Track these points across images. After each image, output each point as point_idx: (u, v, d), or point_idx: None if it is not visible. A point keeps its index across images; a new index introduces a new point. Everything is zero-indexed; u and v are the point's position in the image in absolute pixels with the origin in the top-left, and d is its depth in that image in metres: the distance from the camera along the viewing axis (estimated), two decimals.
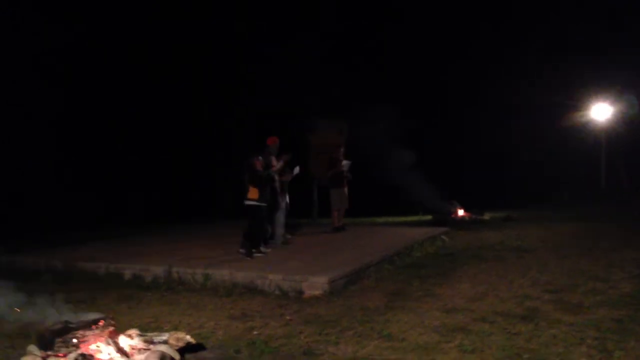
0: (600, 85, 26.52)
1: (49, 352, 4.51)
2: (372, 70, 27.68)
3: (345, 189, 12.76)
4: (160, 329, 5.60)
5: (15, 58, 17.80)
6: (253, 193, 9.37)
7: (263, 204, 9.52)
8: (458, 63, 29.44)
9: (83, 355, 4.43)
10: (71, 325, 4.71)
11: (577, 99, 26.91)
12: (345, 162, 12.71)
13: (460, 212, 17.17)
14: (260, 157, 9.67)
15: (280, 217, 10.84)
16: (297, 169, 11.78)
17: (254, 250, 9.27)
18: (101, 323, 4.81)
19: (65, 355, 4.48)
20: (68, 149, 20.73)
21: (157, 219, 18.70)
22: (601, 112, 26.84)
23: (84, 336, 4.66)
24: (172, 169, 24.14)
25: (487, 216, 16.89)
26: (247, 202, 9.45)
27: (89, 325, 4.76)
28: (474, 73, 29.24)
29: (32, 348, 4.61)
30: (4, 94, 16.80)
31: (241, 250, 9.34)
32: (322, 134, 15.07)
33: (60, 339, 4.59)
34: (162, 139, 23.92)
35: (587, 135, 27.52)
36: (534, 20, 29.30)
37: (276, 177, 10.24)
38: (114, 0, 21.76)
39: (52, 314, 5.40)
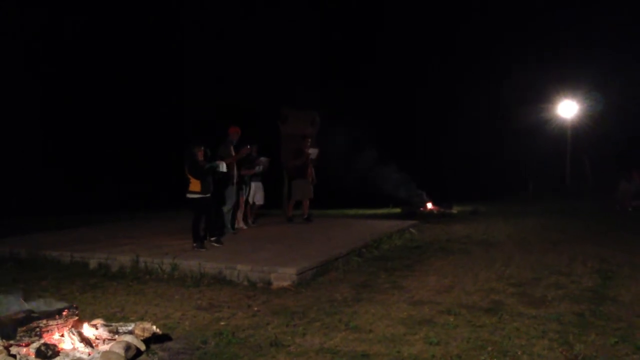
0: (568, 83, 27.06)
1: (11, 342, 4.42)
2: (351, 68, 28.05)
3: (309, 180, 12.77)
4: (126, 319, 5.54)
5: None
6: (194, 185, 9.03)
7: (206, 196, 9.18)
8: (433, 64, 29.93)
9: (46, 345, 4.37)
10: (34, 315, 4.63)
11: (544, 97, 27.41)
12: (312, 150, 12.69)
13: (429, 206, 17.36)
14: (202, 147, 9.21)
15: (230, 208, 10.79)
16: (259, 168, 11.72)
17: (204, 242, 9.08)
18: (65, 313, 4.74)
19: (27, 345, 4.41)
20: (49, 139, 20.50)
21: (130, 207, 18.45)
22: (567, 109, 27.34)
23: (47, 326, 4.58)
24: (148, 157, 23.96)
25: (455, 210, 17.10)
26: (189, 195, 9.10)
27: (52, 314, 4.68)
28: (445, 71, 29.71)
29: None
30: None
31: (193, 244, 9.06)
32: (293, 124, 15.00)
33: (23, 328, 4.50)
34: (138, 128, 23.74)
35: (553, 131, 28.05)
36: (504, 20, 29.86)
37: (224, 169, 9.85)
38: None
39: (14, 303, 5.30)
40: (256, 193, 12.23)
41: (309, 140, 12.88)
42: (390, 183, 18.31)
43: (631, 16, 27.21)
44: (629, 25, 26.97)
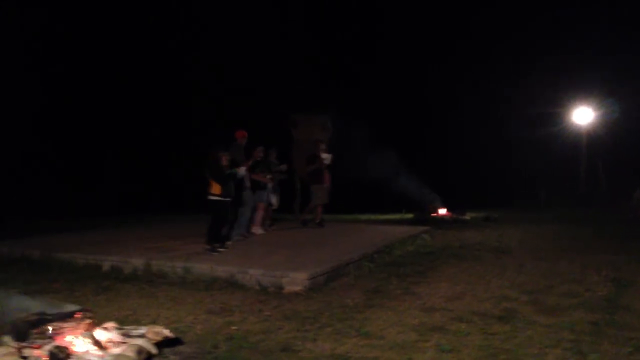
0: (583, 89, 26.88)
1: (24, 344, 4.44)
2: (359, 70, 27.99)
3: (326, 185, 12.74)
4: (138, 322, 5.56)
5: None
6: (215, 188, 9.18)
7: (226, 199, 9.34)
8: (445, 67, 29.83)
9: (58, 347, 4.38)
10: (47, 317, 4.66)
11: (559, 103, 27.24)
12: (325, 156, 12.67)
13: (442, 212, 17.29)
14: (226, 152, 9.42)
15: (246, 212, 10.82)
16: (284, 167, 11.91)
17: (217, 244, 9.16)
18: (78, 315, 4.76)
19: (40, 347, 4.43)
20: (48, 140, 20.63)
21: (140, 210, 18.53)
22: (583, 115, 27.13)
23: (60, 328, 4.61)
24: (159, 160, 24.07)
25: (468, 216, 17.01)
26: (210, 197, 9.25)
27: (65, 317, 4.71)
28: (457, 76, 29.61)
29: (7, 339, 4.54)
30: None
31: (206, 247, 9.17)
32: (306, 128, 15.00)
33: (35, 331, 4.53)
34: (140, 128, 23.87)
35: (568, 138, 27.84)
36: (516, 24, 29.75)
37: (243, 174, 10.02)
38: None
39: (27, 305, 5.33)
40: (272, 197, 12.27)
41: (322, 144, 12.86)
42: (406, 186, 18.27)
43: None
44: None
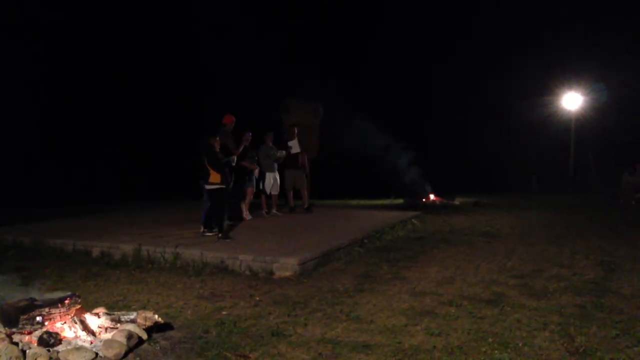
0: (572, 75, 26.98)
1: (14, 329, 4.44)
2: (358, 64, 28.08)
3: (300, 171, 12.76)
4: (128, 308, 5.56)
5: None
6: (214, 177, 9.18)
7: (224, 186, 9.36)
8: (442, 61, 30.00)
9: (49, 333, 4.38)
10: (37, 303, 4.64)
11: (548, 89, 27.33)
12: (291, 143, 12.61)
13: (432, 197, 17.36)
14: (217, 138, 9.42)
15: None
16: (282, 153, 11.94)
17: (212, 231, 9.20)
18: (68, 301, 4.75)
19: (30, 333, 4.43)
20: (42, 128, 20.64)
21: (130, 196, 18.48)
22: (572, 101, 27.22)
23: (50, 314, 4.59)
24: (149, 147, 24.08)
25: (457, 201, 17.10)
26: (209, 187, 9.27)
27: (55, 303, 4.69)
28: (451, 68, 29.75)
29: None
30: None
31: (207, 233, 9.22)
32: (297, 115, 14.93)
33: (25, 316, 4.51)
34: (136, 120, 23.88)
35: (557, 124, 27.97)
36: (507, 15, 29.86)
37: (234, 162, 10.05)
38: None
39: (17, 291, 5.32)
40: (273, 184, 12.25)
41: (295, 129, 12.79)
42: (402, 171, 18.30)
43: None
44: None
